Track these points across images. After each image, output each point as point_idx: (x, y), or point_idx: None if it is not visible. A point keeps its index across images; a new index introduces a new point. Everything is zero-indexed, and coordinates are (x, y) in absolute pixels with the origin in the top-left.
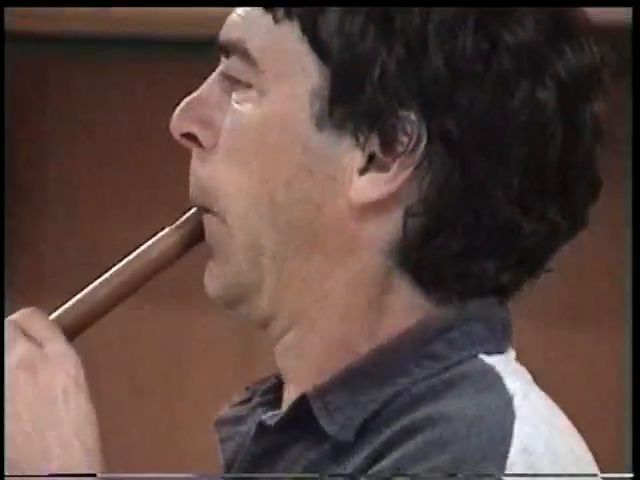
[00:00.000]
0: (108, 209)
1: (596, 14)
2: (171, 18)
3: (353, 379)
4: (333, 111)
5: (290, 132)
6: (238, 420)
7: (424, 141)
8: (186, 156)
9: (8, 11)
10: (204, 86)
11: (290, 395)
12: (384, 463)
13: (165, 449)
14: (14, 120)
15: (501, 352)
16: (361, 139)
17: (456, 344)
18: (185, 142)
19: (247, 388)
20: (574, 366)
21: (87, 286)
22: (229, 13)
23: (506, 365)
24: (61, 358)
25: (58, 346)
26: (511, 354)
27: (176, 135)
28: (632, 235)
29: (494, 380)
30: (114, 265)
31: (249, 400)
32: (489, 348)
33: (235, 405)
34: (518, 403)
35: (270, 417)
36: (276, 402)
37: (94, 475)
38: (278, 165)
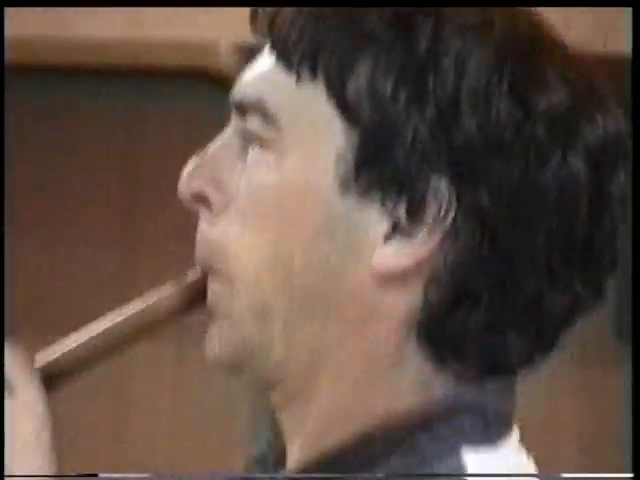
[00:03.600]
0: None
1: (594, 47)
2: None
3: (335, 461)
4: (359, 175)
5: (313, 196)
6: None
7: (454, 210)
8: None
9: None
10: (216, 145)
11: (294, 455)
12: None
13: None
14: None
15: (492, 442)
16: (388, 205)
17: (440, 437)
18: (194, 203)
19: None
20: None
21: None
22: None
23: (484, 464)
24: (27, 411)
25: (28, 397)
26: (508, 444)
27: (186, 195)
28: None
29: None
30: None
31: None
32: (476, 439)
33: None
34: None
35: None
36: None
37: (95, 475)
38: (297, 229)
